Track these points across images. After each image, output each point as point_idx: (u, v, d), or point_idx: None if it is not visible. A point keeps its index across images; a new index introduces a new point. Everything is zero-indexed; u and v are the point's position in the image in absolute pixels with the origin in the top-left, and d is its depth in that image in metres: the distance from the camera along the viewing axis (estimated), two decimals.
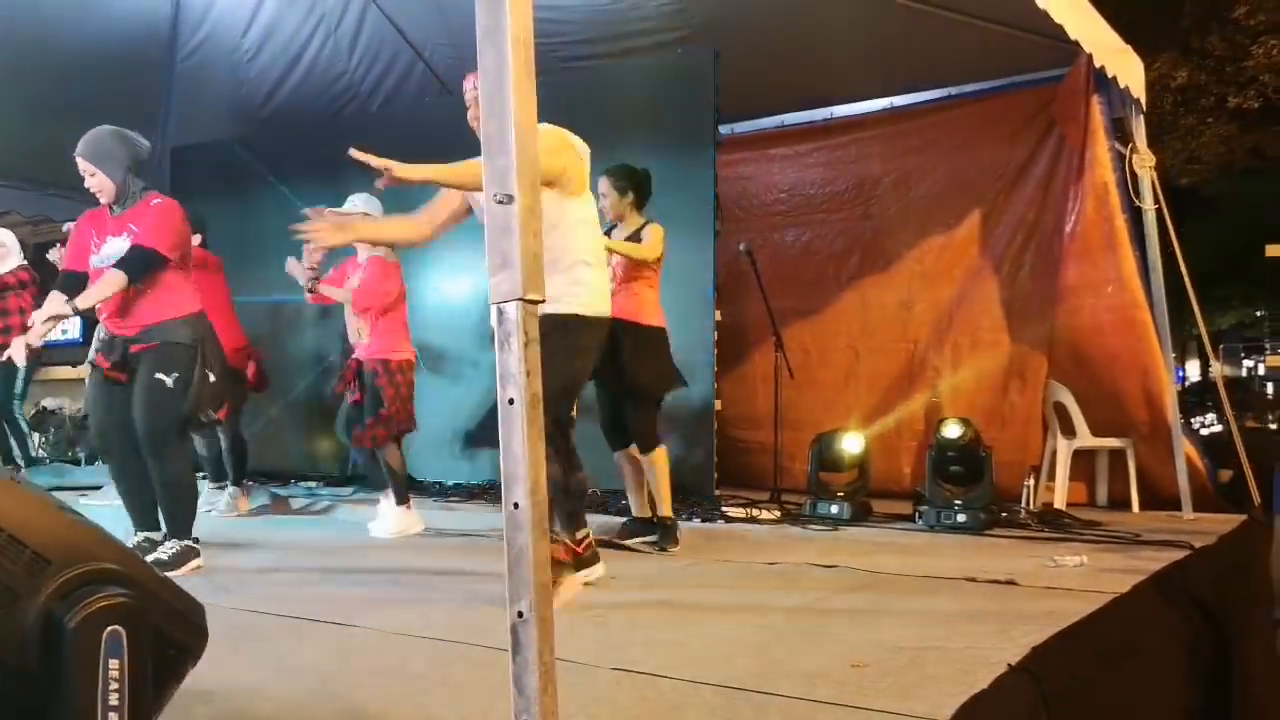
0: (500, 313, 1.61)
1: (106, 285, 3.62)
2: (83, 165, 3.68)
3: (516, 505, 1.57)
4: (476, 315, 5.91)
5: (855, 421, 5.85)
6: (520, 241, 1.61)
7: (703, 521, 5.16)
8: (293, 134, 7.48)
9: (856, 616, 3.09)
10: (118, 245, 3.72)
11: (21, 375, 6.57)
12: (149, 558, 3.58)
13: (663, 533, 4.34)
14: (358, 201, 4.97)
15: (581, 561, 3.40)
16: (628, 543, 4.32)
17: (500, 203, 1.63)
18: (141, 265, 3.65)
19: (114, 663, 1.18)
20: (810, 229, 6.77)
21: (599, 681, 2.31)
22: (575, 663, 2.45)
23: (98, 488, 6.36)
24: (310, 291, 5.06)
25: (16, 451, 7.04)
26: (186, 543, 3.77)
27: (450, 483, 6.41)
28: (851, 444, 5.50)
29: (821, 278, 6.67)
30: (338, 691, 2.27)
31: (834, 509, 5.22)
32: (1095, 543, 4.44)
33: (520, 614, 1.56)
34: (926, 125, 6.49)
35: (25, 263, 6.76)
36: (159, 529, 3.88)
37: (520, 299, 1.60)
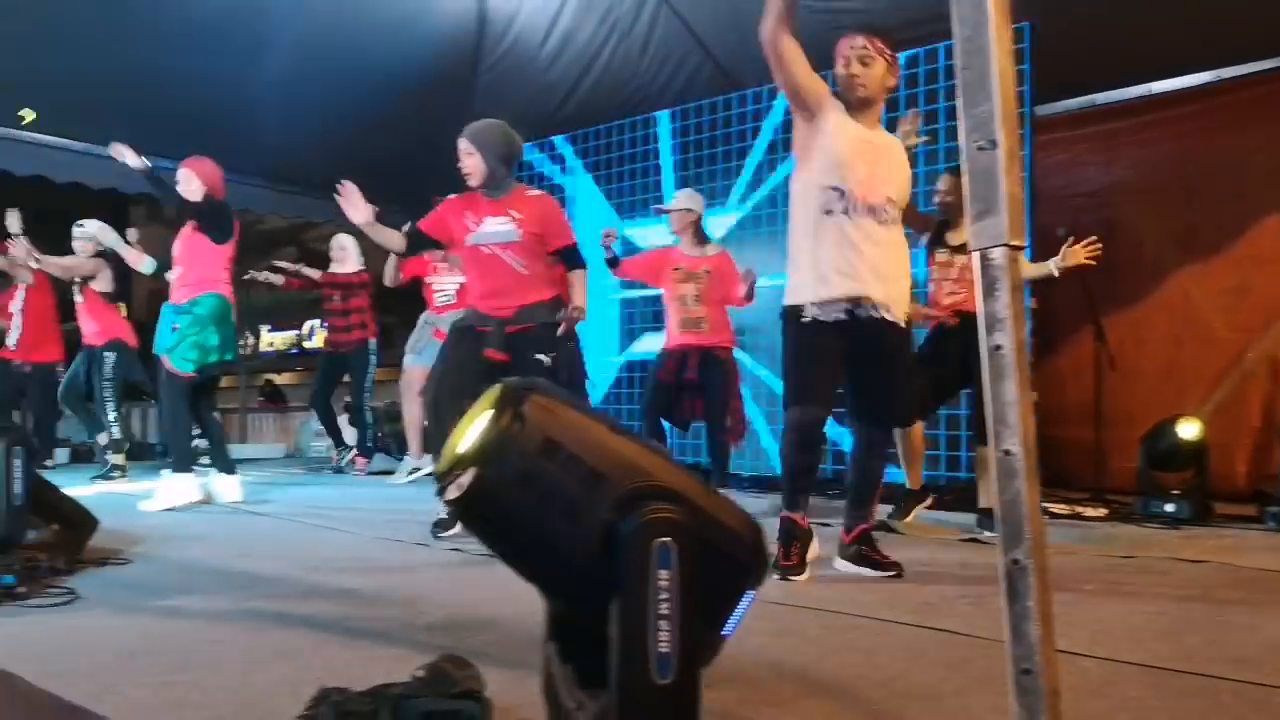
0: (984, 259, 1.59)
1: (582, 283, 4.04)
2: (464, 145, 3.97)
3: (1008, 452, 1.55)
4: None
5: (1182, 417, 5.44)
6: (1004, 186, 1.59)
7: None
8: (587, 135, 7.81)
9: (1260, 610, 2.86)
10: (497, 226, 3.99)
11: (370, 373, 7.19)
12: None
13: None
14: (682, 197, 5.17)
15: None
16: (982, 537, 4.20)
17: (982, 149, 1.61)
18: (579, 256, 4.05)
19: (664, 573, 1.24)
20: (1123, 210, 6.37)
21: None
22: (980, 638, 2.41)
23: (416, 470, 6.90)
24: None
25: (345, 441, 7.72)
26: None
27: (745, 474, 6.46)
28: (1188, 439, 5.13)
29: (1137, 263, 6.26)
30: (759, 649, 2.33)
31: (1169, 507, 4.87)
32: None
33: (1016, 561, 1.53)
34: (1257, 98, 5.98)
35: (363, 266, 7.36)
36: None
37: (1005, 244, 1.58)
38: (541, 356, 3.87)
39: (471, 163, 3.97)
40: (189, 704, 1.88)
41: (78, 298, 6.77)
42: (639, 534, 1.25)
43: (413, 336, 6.65)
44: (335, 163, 8.39)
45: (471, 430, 1.35)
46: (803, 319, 3.23)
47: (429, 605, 2.78)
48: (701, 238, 5.24)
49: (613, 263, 5.35)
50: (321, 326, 17.41)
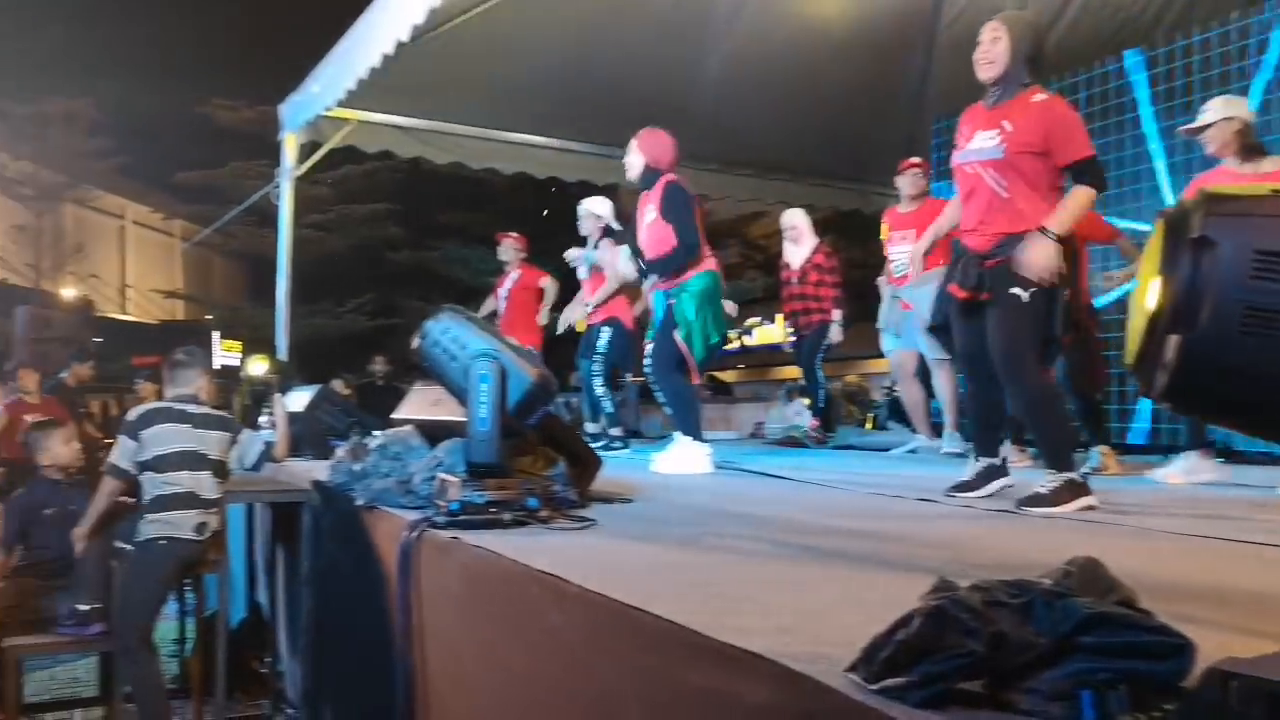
0: None
1: (1076, 204, 3.21)
2: (992, 28, 3.34)
3: None
4: None
5: None
6: None
7: None
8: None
9: None
10: (983, 141, 3.35)
11: (823, 350, 6.99)
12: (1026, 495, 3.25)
13: None
14: (1217, 105, 4.27)
15: None
16: None
17: None
18: (1090, 171, 3.25)
19: None
20: None
21: None
22: None
23: (885, 448, 6.53)
24: None
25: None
26: (1069, 476, 3.22)
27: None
28: None
29: None
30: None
31: None
32: None
33: None
34: None
35: (818, 242, 7.06)
36: (998, 457, 3.56)
37: None
38: (1018, 291, 3.17)
39: (995, 50, 3.32)
40: (745, 611, 1.66)
41: (583, 276, 6.76)
42: None
43: (882, 309, 6.17)
44: (787, 140, 8.39)
45: (1147, 293, 0.95)
46: None
47: (968, 551, 2.40)
48: (1254, 149, 4.21)
49: None
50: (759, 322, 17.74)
